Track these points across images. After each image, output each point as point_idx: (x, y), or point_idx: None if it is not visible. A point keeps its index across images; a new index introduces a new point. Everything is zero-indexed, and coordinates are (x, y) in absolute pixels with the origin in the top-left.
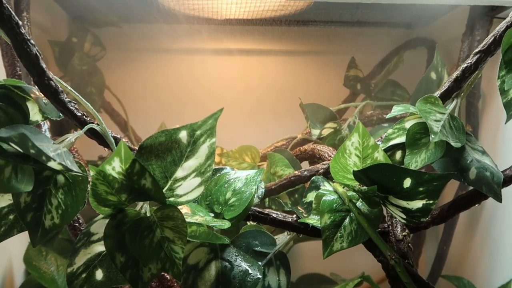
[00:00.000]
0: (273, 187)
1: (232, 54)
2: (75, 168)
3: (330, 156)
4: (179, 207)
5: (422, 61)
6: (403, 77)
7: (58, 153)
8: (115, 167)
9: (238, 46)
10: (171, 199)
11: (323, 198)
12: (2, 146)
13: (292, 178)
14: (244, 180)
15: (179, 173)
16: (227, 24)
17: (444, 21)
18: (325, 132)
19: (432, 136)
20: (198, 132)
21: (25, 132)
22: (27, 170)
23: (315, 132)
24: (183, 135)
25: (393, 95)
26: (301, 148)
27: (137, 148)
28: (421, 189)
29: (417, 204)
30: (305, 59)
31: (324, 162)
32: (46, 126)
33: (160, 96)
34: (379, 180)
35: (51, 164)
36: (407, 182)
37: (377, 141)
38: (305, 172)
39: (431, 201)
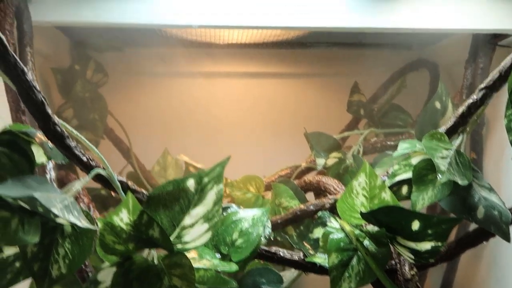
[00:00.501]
0: (278, 221)
1: (235, 77)
2: (83, 221)
3: (336, 189)
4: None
5: (425, 83)
6: (405, 99)
7: (65, 204)
8: (123, 218)
9: (241, 70)
10: (179, 246)
11: (330, 237)
12: (7, 200)
13: (298, 212)
14: (250, 220)
15: (187, 220)
16: (229, 48)
17: (446, 43)
18: (330, 162)
19: (440, 176)
20: (205, 180)
21: (32, 184)
22: (34, 221)
23: (320, 161)
24: (191, 183)
25: (396, 120)
26: (306, 179)
27: (142, 190)
28: (429, 231)
29: (426, 245)
30: (308, 82)
31: (330, 197)
32: (50, 165)
33: (163, 121)
34: (387, 222)
35: (59, 220)
36: (416, 225)
37: (383, 176)
38: (311, 207)
39: (439, 243)
